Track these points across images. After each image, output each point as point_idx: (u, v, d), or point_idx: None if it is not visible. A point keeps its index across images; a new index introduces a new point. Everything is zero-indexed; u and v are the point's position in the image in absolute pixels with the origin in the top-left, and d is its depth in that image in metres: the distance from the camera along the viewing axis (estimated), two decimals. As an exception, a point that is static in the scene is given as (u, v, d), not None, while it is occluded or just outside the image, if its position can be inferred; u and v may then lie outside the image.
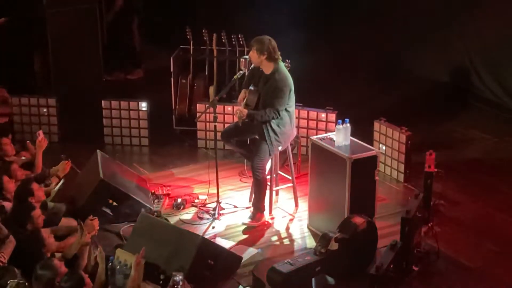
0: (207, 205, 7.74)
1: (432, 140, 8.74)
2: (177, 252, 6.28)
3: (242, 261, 6.73)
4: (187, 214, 7.64)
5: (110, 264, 6.04)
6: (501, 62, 9.95)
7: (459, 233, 7.26)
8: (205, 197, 7.86)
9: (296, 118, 7.81)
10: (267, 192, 7.49)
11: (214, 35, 9.29)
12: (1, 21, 9.72)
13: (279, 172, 7.89)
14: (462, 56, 10.38)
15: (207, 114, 8.51)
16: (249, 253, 6.96)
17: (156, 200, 7.77)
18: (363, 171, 6.87)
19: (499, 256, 6.89)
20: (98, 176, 7.27)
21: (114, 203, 7.30)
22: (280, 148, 7.36)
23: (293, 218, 7.63)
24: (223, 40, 9.28)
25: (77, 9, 9.45)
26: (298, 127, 8.43)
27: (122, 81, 10.92)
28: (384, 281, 5.88)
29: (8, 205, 6.72)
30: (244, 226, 7.38)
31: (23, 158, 7.86)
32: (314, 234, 7.25)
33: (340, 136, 7.04)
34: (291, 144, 7.66)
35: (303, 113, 8.77)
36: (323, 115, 8.74)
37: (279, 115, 7.16)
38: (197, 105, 9.09)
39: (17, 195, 6.68)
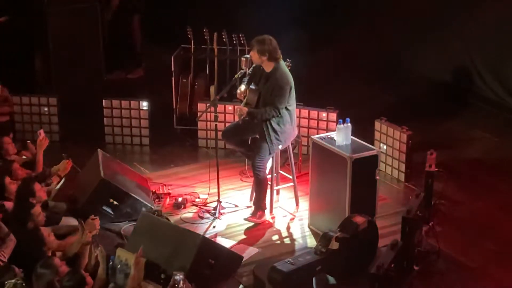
0: (208, 204, 7.75)
1: (433, 140, 8.75)
2: (178, 251, 6.28)
3: (243, 260, 6.74)
4: (188, 213, 7.65)
5: (111, 263, 6.04)
6: (502, 61, 9.94)
7: (459, 232, 7.26)
8: (205, 196, 7.86)
9: (297, 117, 7.81)
10: (268, 191, 7.50)
11: (215, 34, 9.29)
12: (2, 20, 9.71)
13: (280, 171, 7.90)
14: (462, 55, 10.37)
15: (208, 114, 8.51)
16: (249, 252, 6.97)
17: (156, 200, 7.77)
18: (364, 170, 6.88)
19: (500, 255, 6.89)
20: (99, 175, 7.27)
21: (115, 202, 7.30)
22: (280, 147, 7.37)
23: (294, 218, 7.63)
24: (224, 39, 9.29)
25: (78, 8, 9.46)
26: (299, 126, 8.43)
27: (123, 80, 10.91)
28: (385, 280, 5.87)
29: (7, 204, 6.72)
30: (245, 226, 7.38)
31: (24, 157, 7.86)
32: (314, 234, 7.26)
33: (341, 136, 7.05)
34: (292, 144, 7.66)
35: (304, 112, 8.77)
36: (324, 114, 8.74)
37: (280, 113, 7.16)
38: (198, 104, 9.09)
39: (18, 195, 6.68)
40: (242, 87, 7.39)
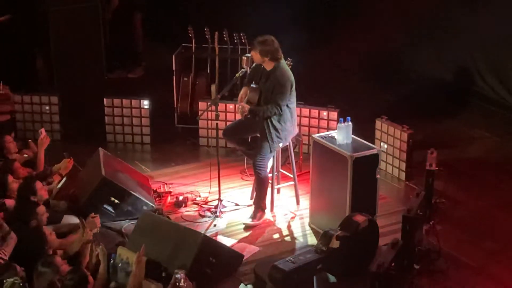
0: (209, 203, 7.76)
1: (434, 139, 8.75)
2: (179, 249, 6.29)
3: (244, 258, 6.74)
4: (189, 211, 7.65)
5: (112, 261, 6.05)
6: (504, 61, 9.93)
7: (460, 231, 7.27)
8: (206, 195, 7.87)
9: (297, 116, 7.82)
10: (269, 190, 7.51)
11: (216, 33, 9.29)
12: (3, 19, 9.72)
13: (281, 170, 7.90)
14: (463, 54, 10.37)
15: (209, 112, 8.52)
16: (250, 250, 6.97)
17: (157, 198, 7.78)
18: (365, 169, 6.88)
19: (500, 254, 6.89)
20: (100, 173, 7.28)
21: (116, 201, 7.31)
22: (281, 144, 7.37)
23: (295, 216, 7.64)
24: (225, 38, 9.29)
25: (79, 7, 9.45)
26: (299, 125, 8.44)
27: (124, 79, 10.91)
28: (385, 279, 5.87)
29: (8, 202, 6.72)
30: (246, 224, 7.39)
31: (25, 156, 7.87)
32: (315, 232, 7.26)
33: (341, 134, 7.05)
34: (292, 142, 7.67)
35: (305, 111, 8.78)
36: (325, 113, 8.74)
37: (281, 110, 7.16)
38: (199, 103, 9.09)
39: (20, 193, 6.69)
40: (244, 91, 7.38)
